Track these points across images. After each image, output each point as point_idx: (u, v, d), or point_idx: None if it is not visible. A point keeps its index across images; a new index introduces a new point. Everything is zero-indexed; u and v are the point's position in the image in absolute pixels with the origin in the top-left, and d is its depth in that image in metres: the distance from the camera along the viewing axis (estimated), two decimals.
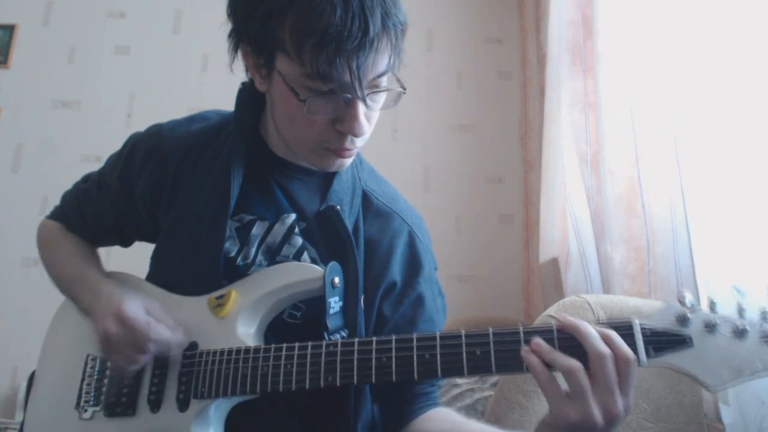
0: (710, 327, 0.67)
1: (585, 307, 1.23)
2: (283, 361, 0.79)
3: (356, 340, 0.77)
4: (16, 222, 2.70)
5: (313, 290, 0.85)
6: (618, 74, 1.68)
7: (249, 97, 0.92)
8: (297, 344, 0.79)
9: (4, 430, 2.36)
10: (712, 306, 0.68)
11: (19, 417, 2.43)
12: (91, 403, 0.91)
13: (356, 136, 0.82)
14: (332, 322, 0.84)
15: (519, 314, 2.61)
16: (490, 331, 0.72)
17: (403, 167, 2.74)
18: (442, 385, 1.64)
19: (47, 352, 1.02)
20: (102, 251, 1.10)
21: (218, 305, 0.88)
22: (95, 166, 1.09)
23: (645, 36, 1.59)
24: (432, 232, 1.04)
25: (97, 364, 0.94)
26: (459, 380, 1.75)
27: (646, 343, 0.68)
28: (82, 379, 0.94)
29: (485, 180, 2.81)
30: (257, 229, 0.92)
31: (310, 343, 0.79)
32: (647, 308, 1.25)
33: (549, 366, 0.68)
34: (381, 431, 0.92)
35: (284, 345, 0.80)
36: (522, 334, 0.70)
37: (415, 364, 0.73)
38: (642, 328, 0.68)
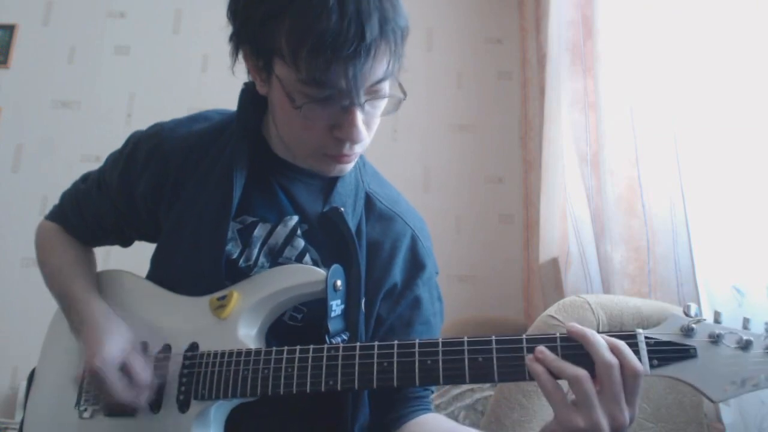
0: (715, 339, 0.67)
1: (585, 307, 1.23)
2: (284, 365, 0.79)
3: (358, 344, 0.77)
4: (16, 222, 2.70)
5: (315, 293, 0.85)
6: (618, 74, 1.68)
7: (251, 97, 0.92)
8: (298, 347, 0.79)
9: (4, 430, 2.36)
10: (717, 317, 0.68)
11: (18, 417, 2.43)
12: (91, 402, 0.91)
13: (354, 143, 0.82)
14: (333, 325, 0.84)
15: (519, 314, 2.61)
16: (493, 338, 0.71)
17: (403, 167, 2.74)
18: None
19: (48, 351, 1.02)
20: (102, 251, 1.10)
21: (220, 306, 0.87)
22: (95, 166, 1.08)
23: (645, 36, 1.60)
24: (432, 232, 1.03)
25: None
26: None
27: (650, 354, 0.67)
28: (83, 378, 0.94)
29: (485, 180, 2.81)
30: (259, 231, 0.92)
31: (311, 347, 0.79)
32: (647, 308, 1.25)
33: (553, 374, 0.68)
34: None
35: (285, 348, 0.80)
36: (525, 342, 0.70)
37: (416, 369, 0.73)
38: (646, 339, 0.68)
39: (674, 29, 1.49)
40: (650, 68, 1.57)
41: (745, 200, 1.27)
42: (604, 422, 0.64)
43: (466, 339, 0.72)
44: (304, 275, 0.86)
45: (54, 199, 1.11)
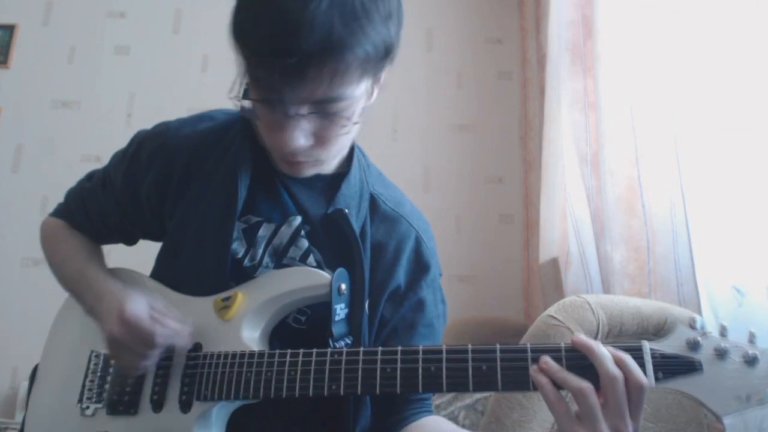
0: (721, 353, 0.66)
1: (585, 307, 1.23)
2: (287, 368, 0.79)
3: (361, 349, 0.77)
4: (16, 222, 2.70)
5: (319, 296, 0.85)
6: (618, 74, 1.68)
7: None
8: (301, 351, 0.79)
9: (4, 430, 2.37)
10: (723, 331, 0.68)
11: (19, 417, 2.43)
12: (94, 399, 0.91)
13: (284, 150, 0.81)
14: (337, 329, 0.84)
15: (519, 314, 2.61)
16: (497, 347, 0.71)
17: (403, 167, 2.74)
18: None
19: (51, 348, 1.02)
20: (103, 249, 1.10)
21: (224, 307, 0.87)
22: (95, 166, 1.09)
23: (645, 36, 1.60)
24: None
25: (101, 361, 0.94)
26: None
27: (656, 367, 0.67)
28: (85, 376, 0.93)
29: (485, 180, 2.82)
30: (264, 231, 0.92)
31: (314, 351, 0.79)
32: (647, 308, 1.25)
33: (557, 385, 0.68)
34: None
35: (288, 351, 0.80)
36: (530, 352, 0.70)
37: (420, 376, 0.73)
38: (652, 351, 0.68)
39: (674, 29, 1.49)
40: (650, 68, 1.57)
41: (745, 200, 1.27)
42: None
43: (470, 347, 0.72)
44: (309, 278, 0.86)
45: (54, 199, 1.12)
